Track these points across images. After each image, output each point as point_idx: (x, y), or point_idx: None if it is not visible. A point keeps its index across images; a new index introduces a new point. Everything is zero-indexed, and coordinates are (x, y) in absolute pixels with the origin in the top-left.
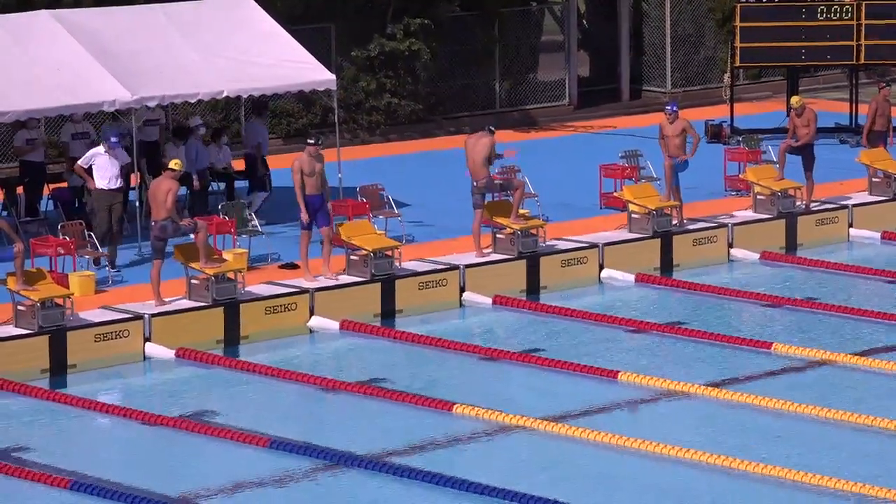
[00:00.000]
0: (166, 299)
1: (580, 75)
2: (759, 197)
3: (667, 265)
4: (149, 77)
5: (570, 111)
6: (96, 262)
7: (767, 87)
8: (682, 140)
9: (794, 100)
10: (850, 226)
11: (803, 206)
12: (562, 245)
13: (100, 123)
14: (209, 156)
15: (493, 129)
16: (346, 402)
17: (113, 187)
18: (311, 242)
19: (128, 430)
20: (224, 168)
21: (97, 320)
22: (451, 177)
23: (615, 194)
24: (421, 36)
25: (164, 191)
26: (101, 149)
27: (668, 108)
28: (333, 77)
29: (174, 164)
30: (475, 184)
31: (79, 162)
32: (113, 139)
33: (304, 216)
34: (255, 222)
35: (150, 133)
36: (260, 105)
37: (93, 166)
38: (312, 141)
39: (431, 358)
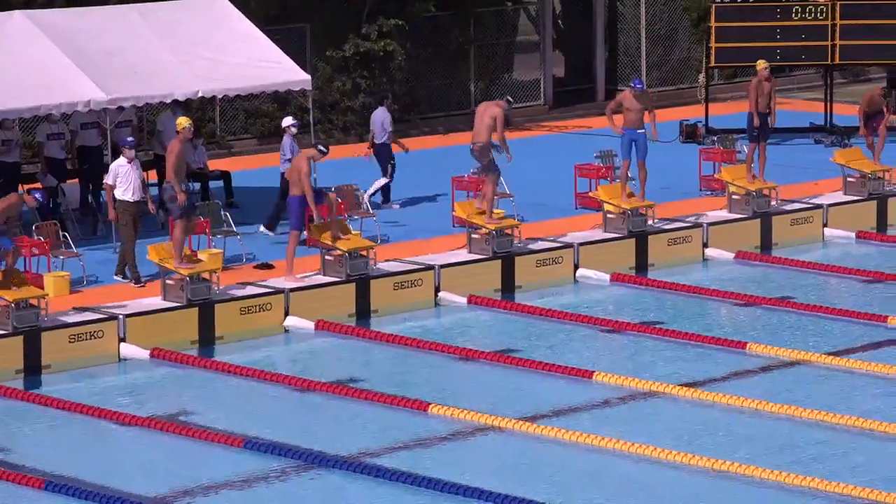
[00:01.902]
0: (144, 300)
1: (555, 75)
2: (733, 197)
3: (642, 265)
4: (123, 77)
5: (545, 111)
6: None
7: (742, 86)
8: (641, 115)
9: (762, 63)
10: (825, 225)
11: (759, 176)
12: (537, 245)
13: (78, 127)
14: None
15: (510, 99)
16: (321, 402)
17: (137, 199)
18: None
19: (102, 431)
20: (199, 168)
21: (71, 321)
22: (426, 177)
23: (590, 194)
24: (396, 36)
25: (170, 152)
26: (122, 160)
27: (637, 85)
28: (308, 77)
29: (179, 123)
30: (471, 146)
31: (107, 181)
32: (129, 139)
33: (316, 213)
34: (367, 206)
35: (123, 134)
36: (383, 95)
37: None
38: (324, 150)
39: (406, 358)
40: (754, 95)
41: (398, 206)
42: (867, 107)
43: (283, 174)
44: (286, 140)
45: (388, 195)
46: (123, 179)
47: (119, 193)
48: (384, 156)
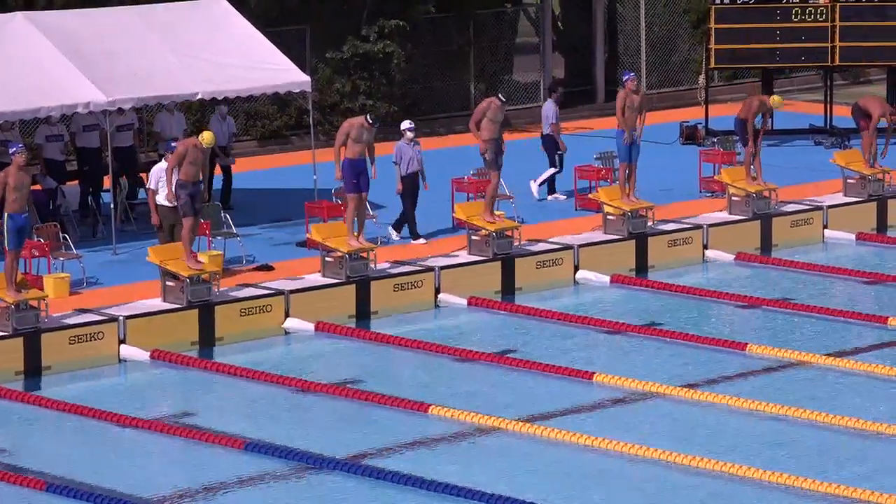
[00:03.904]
0: (144, 301)
1: (555, 77)
2: (733, 198)
3: (642, 266)
4: (123, 79)
5: None
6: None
7: (742, 88)
8: (636, 117)
9: (776, 99)
10: (825, 227)
11: (757, 178)
12: (537, 246)
13: (80, 129)
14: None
15: (501, 98)
16: (321, 403)
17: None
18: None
19: (102, 432)
20: (223, 146)
21: (72, 322)
22: (426, 178)
23: (590, 196)
24: (396, 38)
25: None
26: (165, 164)
27: (631, 76)
28: (308, 79)
29: (202, 137)
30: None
31: (149, 185)
32: (174, 144)
33: (339, 174)
34: (537, 194)
35: (124, 139)
36: (554, 85)
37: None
38: (370, 120)
39: (406, 359)
40: (752, 114)
41: (564, 197)
42: (864, 106)
43: (402, 178)
44: (399, 144)
45: (553, 186)
46: (164, 184)
47: (159, 199)
48: (550, 147)
